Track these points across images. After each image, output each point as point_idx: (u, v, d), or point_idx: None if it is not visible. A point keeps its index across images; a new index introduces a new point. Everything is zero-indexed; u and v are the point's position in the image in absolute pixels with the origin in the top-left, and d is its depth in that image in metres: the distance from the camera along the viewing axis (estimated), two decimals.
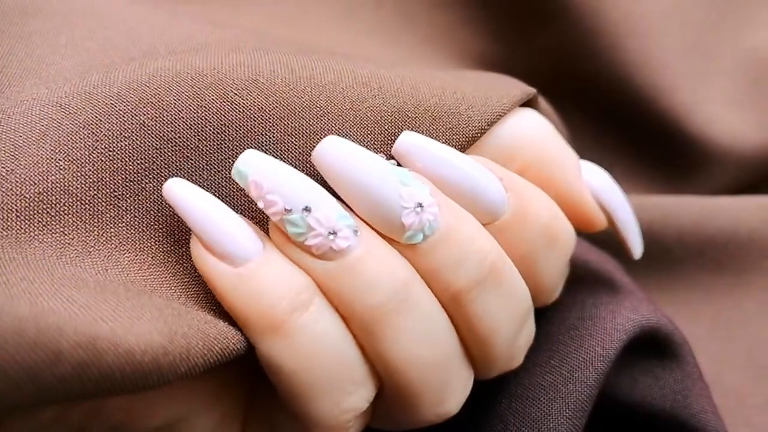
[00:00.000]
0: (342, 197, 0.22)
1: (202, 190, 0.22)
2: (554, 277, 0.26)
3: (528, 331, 0.25)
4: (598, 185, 0.26)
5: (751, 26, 0.40)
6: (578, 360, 0.26)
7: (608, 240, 0.34)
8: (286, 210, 0.21)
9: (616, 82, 0.37)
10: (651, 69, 0.37)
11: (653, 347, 0.28)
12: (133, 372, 0.18)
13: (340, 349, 0.22)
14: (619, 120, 0.37)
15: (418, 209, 0.22)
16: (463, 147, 0.24)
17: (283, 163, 0.22)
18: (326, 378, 0.22)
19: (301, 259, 0.22)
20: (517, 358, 0.25)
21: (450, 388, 0.24)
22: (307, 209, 0.21)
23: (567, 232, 0.25)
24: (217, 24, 0.27)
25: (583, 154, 0.34)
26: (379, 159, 0.22)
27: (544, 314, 0.28)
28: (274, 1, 0.36)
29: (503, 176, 0.24)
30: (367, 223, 0.22)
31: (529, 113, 0.26)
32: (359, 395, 0.23)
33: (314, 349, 0.21)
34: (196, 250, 0.22)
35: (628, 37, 0.37)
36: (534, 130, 0.25)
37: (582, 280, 0.29)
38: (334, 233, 0.21)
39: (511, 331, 0.24)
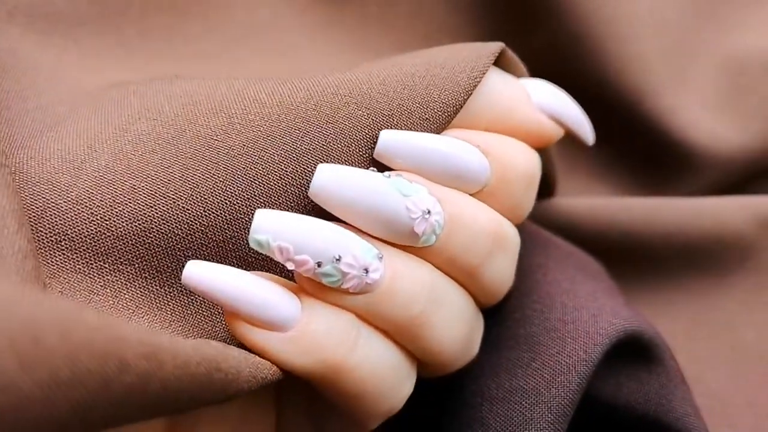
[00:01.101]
0: (348, 222, 0.23)
1: (223, 266, 0.21)
2: (531, 205, 0.27)
3: (517, 256, 0.27)
4: (546, 103, 0.27)
5: (731, 29, 0.40)
6: (561, 364, 0.26)
7: (593, 241, 0.35)
8: (317, 265, 0.21)
9: (600, 85, 0.37)
10: (633, 72, 0.37)
11: (636, 352, 0.28)
12: (190, 383, 0.18)
13: (390, 360, 0.23)
14: (604, 122, 0.36)
15: (427, 216, 0.23)
16: (440, 129, 0.25)
17: (295, 215, 0.22)
18: (384, 387, 0.23)
19: (338, 300, 0.22)
20: (512, 281, 0.28)
21: (474, 341, 0.26)
22: (337, 258, 0.22)
23: (537, 166, 0.27)
24: (178, 75, 0.27)
25: (568, 154, 0.34)
26: (375, 176, 0.23)
27: (524, 314, 0.28)
28: (248, 13, 0.35)
29: (480, 142, 0.25)
30: (380, 238, 0.23)
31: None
32: (409, 384, 0.25)
33: (372, 372, 0.23)
34: (238, 326, 0.22)
35: (610, 40, 0.37)
36: (492, 91, 0.26)
37: (563, 282, 0.29)
38: (367, 270, 0.22)
39: (513, 272, 0.27)
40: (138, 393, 0.17)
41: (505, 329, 0.28)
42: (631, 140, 0.38)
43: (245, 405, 0.24)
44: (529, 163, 0.26)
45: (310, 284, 0.22)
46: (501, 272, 0.25)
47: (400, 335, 0.23)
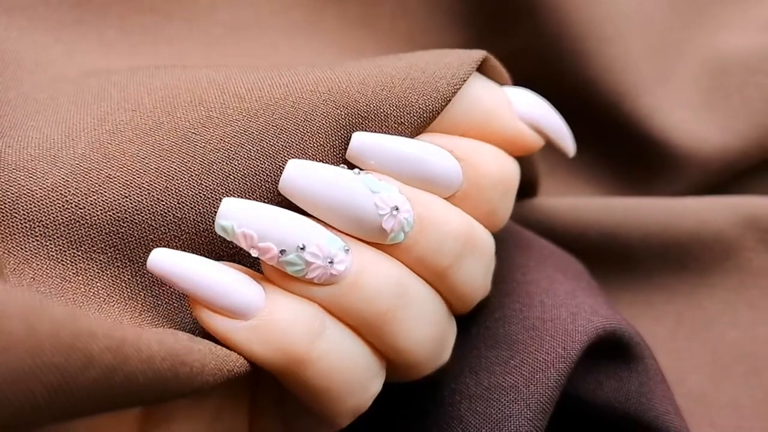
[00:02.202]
0: (318, 217, 0.23)
1: (187, 254, 0.22)
2: (508, 212, 0.27)
3: (493, 263, 0.27)
4: (528, 112, 0.27)
5: (712, 29, 0.40)
6: (539, 361, 0.26)
7: (575, 241, 0.34)
8: (281, 252, 0.22)
9: (580, 85, 0.37)
10: (613, 73, 0.37)
11: (616, 350, 0.28)
12: (154, 378, 0.19)
13: (357, 356, 0.23)
14: (584, 122, 0.37)
15: (395, 212, 0.23)
16: (416, 134, 0.25)
17: (261, 203, 0.22)
18: (352, 383, 0.23)
19: (302, 290, 0.23)
20: (489, 288, 0.27)
21: (445, 345, 0.26)
22: (301, 247, 0.22)
23: (515, 173, 0.27)
24: (158, 66, 0.27)
25: (550, 154, 0.34)
26: (344, 172, 0.23)
27: (503, 314, 0.28)
28: (229, 13, 0.35)
29: (453, 147, 0.25)
30: (349, 235, 0.23)
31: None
32: (377, 382, 0.24)
33: (338, 366, 0.23)
34: (201, 313, 0.22)
35: (592, 41, 0.37)
36: (473, 97, 0.26)
37: (542, 281, 0.29)
38: (332, 261, 0.22)
39: (486, 278, 0.26)
40: (102, 387, 0.17)
41: (485, 329, 0.28)
42: (612, 141, 0.38)
43: (219, 401, 0.24)
44: (505, 169, 0.26)
45: (275, 273, 0.23)
46: (472, 276, 0.25)
47: (368, 331, 0.23)
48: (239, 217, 0.22)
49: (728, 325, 0.34)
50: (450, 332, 0.26)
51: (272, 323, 0.22)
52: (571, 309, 0.27)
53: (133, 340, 0.18)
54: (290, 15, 0.37)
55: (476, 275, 0.25)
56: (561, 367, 0.25)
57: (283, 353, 0.22)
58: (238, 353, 0.22)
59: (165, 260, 0.22)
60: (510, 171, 0.26)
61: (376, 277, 0.23)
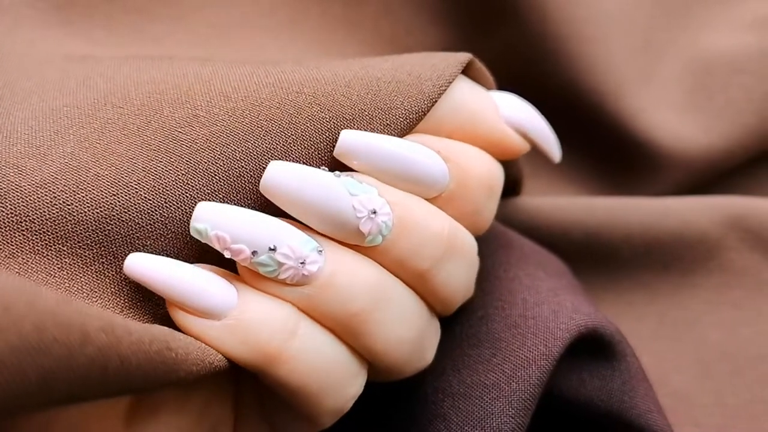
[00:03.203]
0: (297, 218, 0.23)
1: (162, 258, 0.23)
2: (492, 215, 0.27)
3: (476, 266, 0.27)
4: (514, 116, 0.27)
5: (696, 30, 0.40)
6: (521, 358, 0.26)
7: (558, 240, 0.34)
8: (253, 254, 0.22)
9: (563, 86, 0.37)
10: (596, 73, 0.37)
11: (598, 349, 0.28)
12: (145, 360, 0.19)
13: (334, 356, 0.23)
14: (568, 123, 0.37)
15: (373, 215, 0.23)
16: (402, 135, 0.25)
17: (235, 207, 0.23)
18: (329, 383, 0.23)
19: (276, 290, 0.23)
20: (472, 291, 0.28)
21: (426, 347, 0.26)
22: (272, 248, 0.22)
23: (500, 176, 0.27)
24: (145, 58, 0.28)
25: (534, 154, 0.34)
26: (324, 174, 0.23)
27: (486, 312, 0.28)
28: (216, 13, 0.35)
29: (440, 148, 0.25)
30: (328, 237, 0.23)
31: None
32: (358, 383, 0.24)
33: (313, 365, 0.23)
34: (176, 314, 0.23)
35: (573, 41, 0.37)
36: (459, 99, 0.26)
37: (524, 278, 0.29)
38: (303, 262, 0.22)
39: (469, 281, 0.26)
40: (99, 367, 0.18)
41: (468, 328, 0.28)
42: (596, 141, 0.38)
43: (207, 395, 0.24)
44: (490, 172, 0.26)
45: (249, 274, 0.23)
46: (454, 278, 0.25)
47: (343, 332, 0.23)
48: (212, 219, 0.22)
49: (711, 325, 0.34)
50: (431, 334, 0.26)
51: (244, 322, 0.22)
52: (552, 306, 0.27)
53: (122, 323, 0.19)
54: (277, 15, 0.37)
55: (458, 278, 0.25)
56: (543, 365, 0.25)
57: (256, 351, 0.22)
58: (213, 348, 0.22)
59: (139, 264, 0.22)
60: (494, 173, 0.26)
61: (350, 278, 0.23)
